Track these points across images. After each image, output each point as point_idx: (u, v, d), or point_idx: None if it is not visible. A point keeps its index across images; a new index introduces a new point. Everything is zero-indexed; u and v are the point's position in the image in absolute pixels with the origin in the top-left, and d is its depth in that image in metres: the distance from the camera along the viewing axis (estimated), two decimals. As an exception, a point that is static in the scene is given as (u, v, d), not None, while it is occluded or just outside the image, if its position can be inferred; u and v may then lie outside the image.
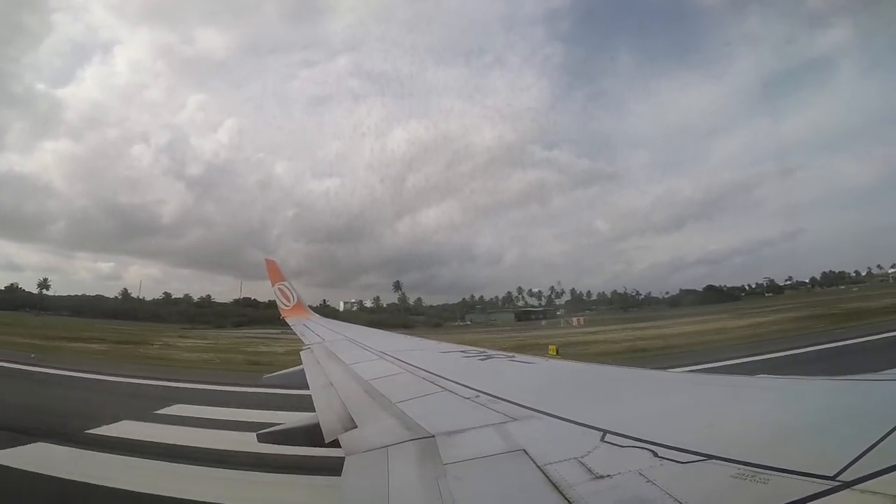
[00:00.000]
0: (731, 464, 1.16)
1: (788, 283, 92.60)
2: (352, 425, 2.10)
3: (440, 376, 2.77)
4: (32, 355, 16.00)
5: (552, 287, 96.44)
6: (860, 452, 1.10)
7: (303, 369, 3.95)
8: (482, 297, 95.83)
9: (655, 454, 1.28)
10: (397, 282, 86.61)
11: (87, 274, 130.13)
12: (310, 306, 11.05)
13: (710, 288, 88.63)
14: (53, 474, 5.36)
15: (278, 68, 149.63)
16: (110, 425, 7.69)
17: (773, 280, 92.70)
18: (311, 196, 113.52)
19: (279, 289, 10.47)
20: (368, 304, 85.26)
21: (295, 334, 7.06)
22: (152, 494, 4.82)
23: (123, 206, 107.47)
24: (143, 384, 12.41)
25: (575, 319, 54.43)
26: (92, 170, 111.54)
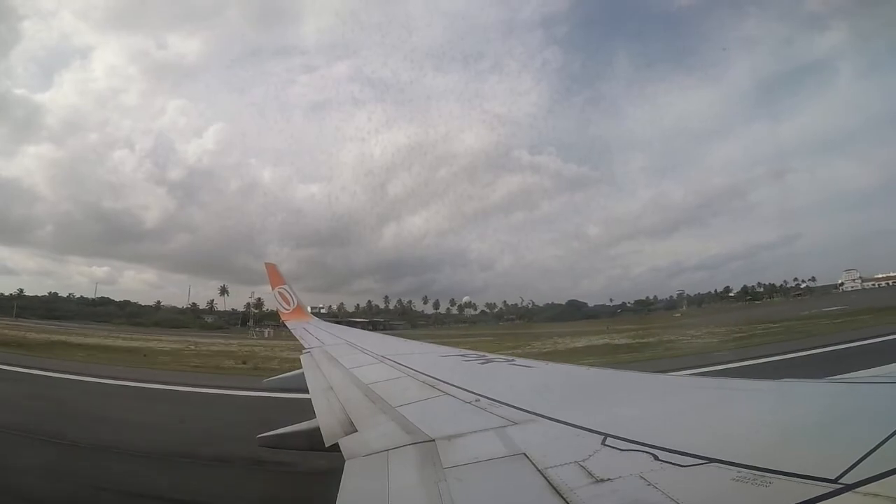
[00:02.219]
0: (732, 467, 1.16)
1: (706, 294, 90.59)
2: (352, 429, 2.09)
3: (440, 380, 2.77)
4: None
5: (425, 297, 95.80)
6: (862, 455, 1.10)
7: (303, 373, 3.95)
8: (358, 304, 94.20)
9: (656, 457, 1.28)
10: (223, 286, 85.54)
11: (81, 278, 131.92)
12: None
13: (571, 303, 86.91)
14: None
15: (274, 73, 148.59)
16: None
17: (684, 291, 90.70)
18: (304, 201, 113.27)
19: (279, 292, 10.45)
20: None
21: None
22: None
23: (113, 212, 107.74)
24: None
25: (267, 332, 50.44)
26: (79, 175, 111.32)
